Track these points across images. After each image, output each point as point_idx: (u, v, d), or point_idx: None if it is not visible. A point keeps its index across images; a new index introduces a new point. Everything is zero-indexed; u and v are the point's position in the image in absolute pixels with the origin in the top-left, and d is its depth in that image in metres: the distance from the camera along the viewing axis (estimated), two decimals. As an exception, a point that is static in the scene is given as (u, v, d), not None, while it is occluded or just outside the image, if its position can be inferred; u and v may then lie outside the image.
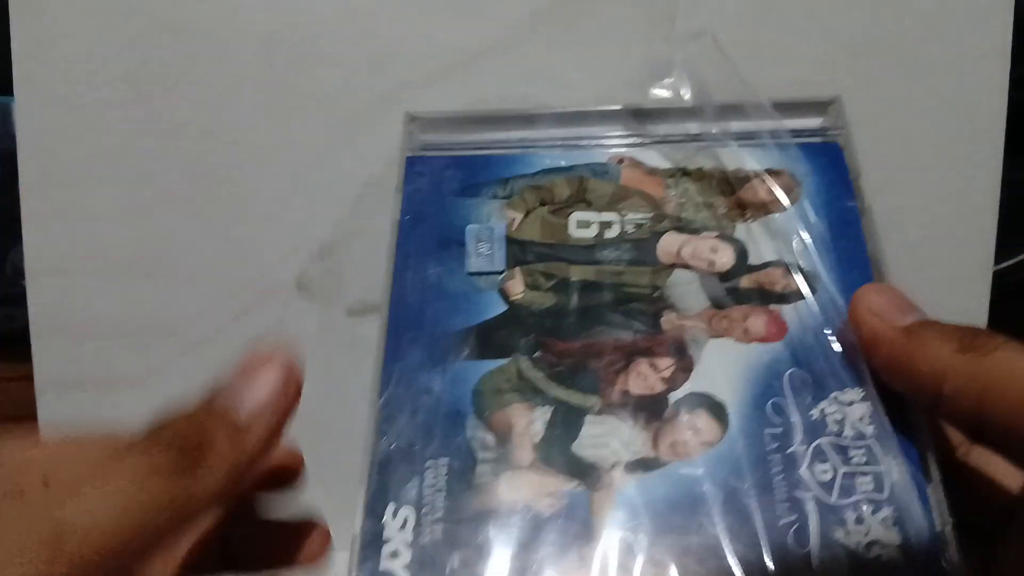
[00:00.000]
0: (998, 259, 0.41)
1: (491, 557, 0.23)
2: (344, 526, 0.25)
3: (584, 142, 0.31)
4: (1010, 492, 0.23)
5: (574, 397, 0.26)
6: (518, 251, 0.29)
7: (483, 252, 0.29)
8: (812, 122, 0.31)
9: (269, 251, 0.39)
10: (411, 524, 0.24)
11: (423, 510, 0.24)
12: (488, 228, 0.29)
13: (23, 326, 0.41)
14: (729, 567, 0.22)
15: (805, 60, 0.39)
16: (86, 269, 0.40)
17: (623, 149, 0.31)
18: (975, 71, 0.39)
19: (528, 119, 0.32)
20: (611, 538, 0.23)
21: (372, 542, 0.24)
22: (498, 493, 0.25)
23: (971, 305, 0.41)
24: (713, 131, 0.30)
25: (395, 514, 0.24)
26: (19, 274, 0.43)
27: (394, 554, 0.23)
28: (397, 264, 0.28)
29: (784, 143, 0.30)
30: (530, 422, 0.26)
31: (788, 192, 0.29)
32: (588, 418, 0.26)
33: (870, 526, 0.23)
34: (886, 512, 0.23)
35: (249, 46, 0.39)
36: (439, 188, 0.30)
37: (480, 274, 0.28)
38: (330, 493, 0.26)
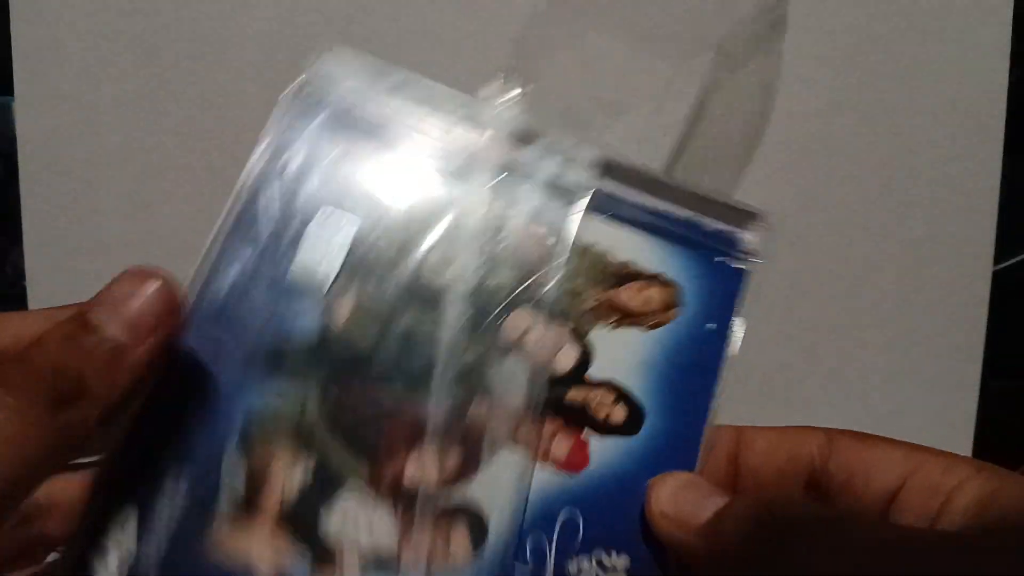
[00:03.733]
0: (998, 259, 0.41)
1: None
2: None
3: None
4: None
5: (343, 457, 0.23)
6: (357, 270, 0.25)
7: (321, 258, 0.25)
8: (728, 230, 0.26)
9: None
10: (132, 546, 0.22)
11: (147, 537, 0.22)
12: (333, 225, 0.25)
13: (22, 327, 0.40)
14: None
15: (805, 60, 0.39)
16: (87, 269, 0.40)
17: (527, 193, 0.26)
18: (975, 71, 0.39)
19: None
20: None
21: (88, 551, 0.21)
22: (227, 539, 0.22)
23: (971, 305, 0.41)
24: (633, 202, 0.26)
25: (123, 526, 0.22)
26: (19, 274, 0.43)
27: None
28: (222, 249, 0.24)
29: (692, 247, 0.26)
30: (290, 471, 0.23)
31: (664, 310, 0.25)
32: (348, 485, 0.23)
33: None
34: None
35: (250, 44, 0.40)
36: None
37: (307, 284, 0.24)
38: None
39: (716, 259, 0.26)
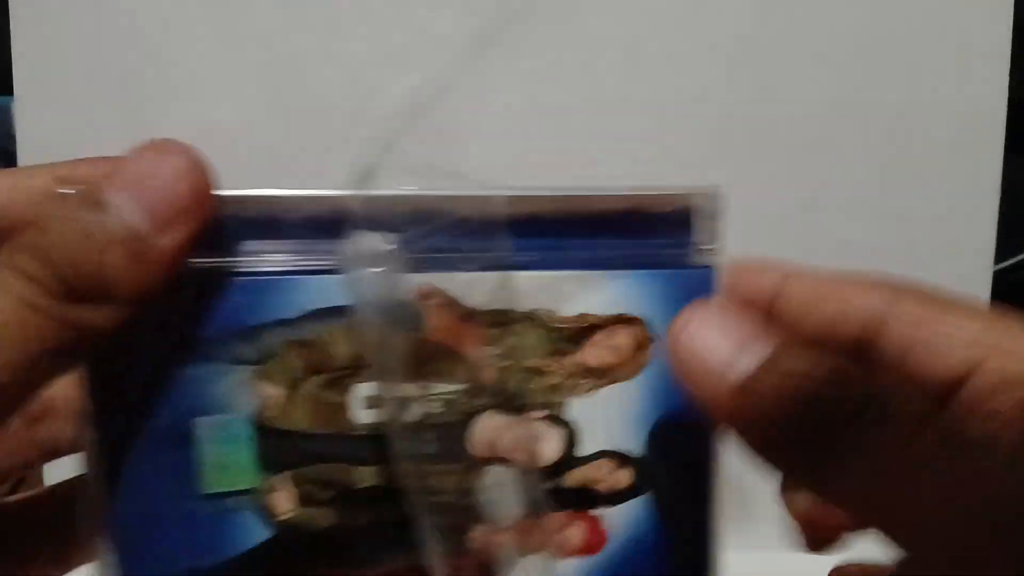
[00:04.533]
0: (998, 259, 0.41)
1: None
2: None
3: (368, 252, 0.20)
4: None
5: None
6: (279, 447, 0.21)
7: (225, 459, 0.20)
8: (668, 225, 0.21)
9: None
10: None
11: None
12: (228, 422, 0.20)
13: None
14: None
15: (805, 60, 0.39)
16: None
17: (431, 276, 0.21)
18: (975, 71, 0.38)
19: (276, 220, 0.20)
20: None
21: None
22: None
23: (971, 304, 0.41)
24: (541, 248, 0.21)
25: None
26: None
27: None
28: (109, 479, 0.20)
29: (640, 265, 0.22)
30: None
31: (640, 349, 0.22)
32: None
33: None
34: None
35: (250, 45, 0.40)
36: (152, 347, 0.20)
37: (224, 494, 0.20)
38: None
39: (670, 268, 0.22)
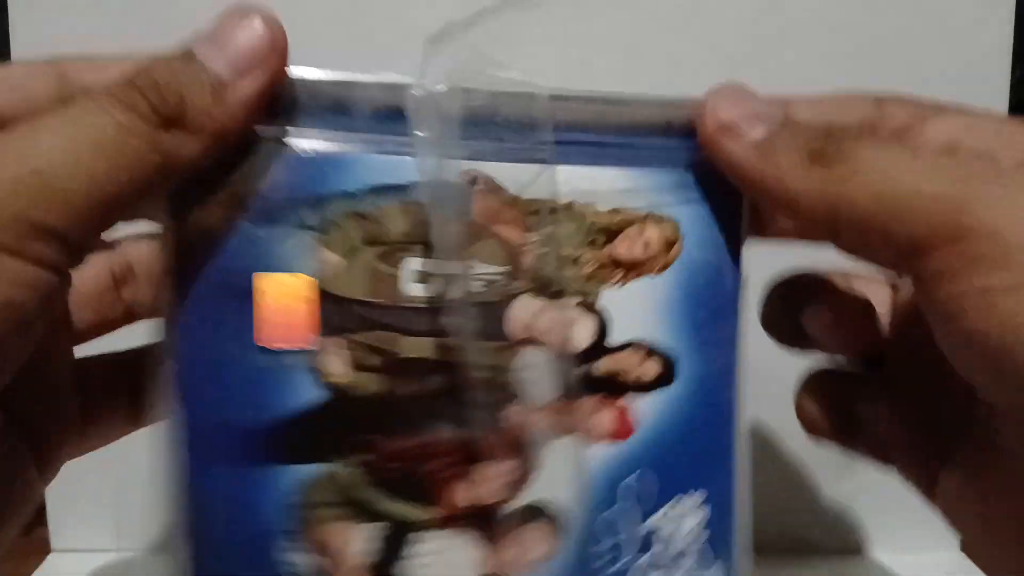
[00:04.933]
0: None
1: None
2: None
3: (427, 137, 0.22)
4: (952, 414, 0.23)
5: (405, 511, 0.23)
6: (335, 312, 0.22)
7: (278, 317, 0.22)
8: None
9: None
10: None
11: None
12: (288, 279, 0.22)
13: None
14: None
15: (805, 59, 0.40)
16: None
17: (478, 164, 0.23)
18: (976, 71, 0.40)
19: (350, 103, 0.22)
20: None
21: None
22: None
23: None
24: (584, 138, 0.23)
25: None
26: None
27: None
28: (180, 327, 0.21)
29: (672, 164, 0.24)
30: (354, 541, 0.22)
31: (668, 248, 0.24)
32: (419, 535, 0.23)
33: None
34: None
35: None
36: (223, 205, 0.21)
37: (281, 352, 0.22)
38: None
39: (701, 170, 0.24)
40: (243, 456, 0.22)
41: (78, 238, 0.19)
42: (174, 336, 0.21)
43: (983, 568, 0.24)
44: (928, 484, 0.24)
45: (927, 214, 0.19)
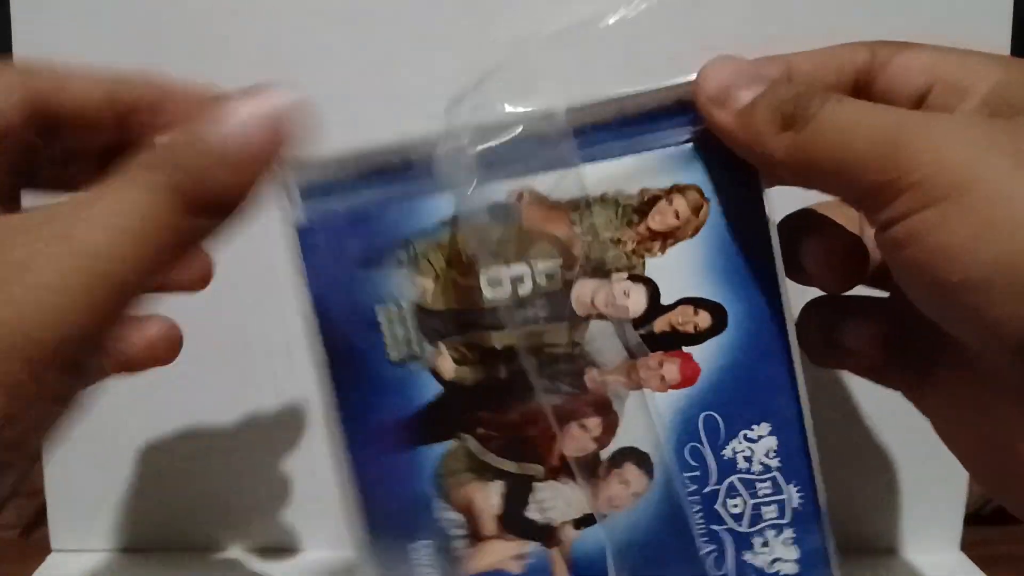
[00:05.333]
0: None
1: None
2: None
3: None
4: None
5: (520, 468, 0.28)
6: (436, 324, 0.28)
7: (399, 335, 0.29)
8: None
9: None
10: None
11: None
12: (398, 307, 0.28)
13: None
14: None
15: None
16: None
17: (518, 181, 0.27)
18: None
19: (408, 160, 0.27)
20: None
21: None
22: (475, 562, 0.29)
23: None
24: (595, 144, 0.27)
25: None
26: None
27: None
28: (327, 357, 0.28)
29: (684, 142, 0.27)
30: (487, 497, 0.29)
31: (696, 212, 0.27)
32: (535, 485, 0.28)
33: (774, 547, 0.27)
34: (787, 534, 0.27)
35: (251, 45, 0.39)
36: (341, 259, 0.28)
37: (404, 361, 0.29)
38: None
39: (712, 141, 0.26)
40: (393, 444, 0.29)
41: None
42: (324, 371, 0.29)
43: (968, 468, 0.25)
44: (918, 398, 0.25)
45: (867, 167, 0.21)
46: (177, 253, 0.20)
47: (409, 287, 0.28)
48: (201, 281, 0.30)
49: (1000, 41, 0.39)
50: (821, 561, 0.27)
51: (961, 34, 0.38)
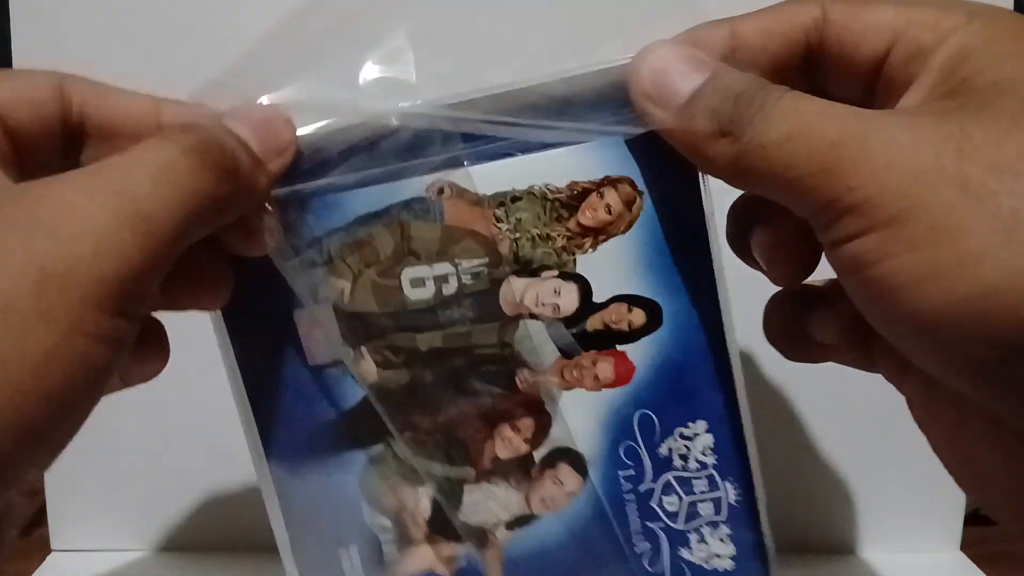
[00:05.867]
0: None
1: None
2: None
3: (394, 168, 0.25)
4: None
5: (450, 472, 0.28)
6: (357, 326, 0.27)
7: (319, 339, 0.27)
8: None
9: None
10: None
11: None
12: (316, 310, 0.27)
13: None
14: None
15: None
16: None
17: (435, 174, 0.25)
18: None
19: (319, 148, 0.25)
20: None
21: None
22: (405, 566, 0.28)
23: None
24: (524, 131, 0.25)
25: None
26: None
27: None
28: (240, 365, 0.27)
29: (614, 132, 0.25)
30: (417, 500, 0.28)
31: (629, 206, 0.25)
32: (467, 487, 0.28)
33: (711, 543, 0.27)
34: (723, 530, 0.27)
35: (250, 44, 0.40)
36: (251, 264, 0.25)
37: (325, 366, 0.27)
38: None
39: (646, 129, 0.24)
40: (318, 450, 0.27)
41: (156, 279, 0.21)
42: (236, 369, 0.27)
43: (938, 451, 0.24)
44: (898, 382, 0.24)
45: (809, 184, 0.19)
46: (205, 214, 0.21)
47: (326, 288, 0.26)
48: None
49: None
50: (757, 556, 0.28)
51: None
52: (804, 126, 0.20)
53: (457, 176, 0.25)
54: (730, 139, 0.21)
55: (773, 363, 0.29)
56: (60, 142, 0.24)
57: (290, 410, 0.27)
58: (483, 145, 0.25)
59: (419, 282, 0.26)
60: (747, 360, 0.38)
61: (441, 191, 0.26)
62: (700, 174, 0.25)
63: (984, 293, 0.17)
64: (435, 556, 0.28)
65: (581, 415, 0.27)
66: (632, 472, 0.27)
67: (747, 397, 0.26)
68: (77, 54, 0.38)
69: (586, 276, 0.26)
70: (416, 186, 0.26)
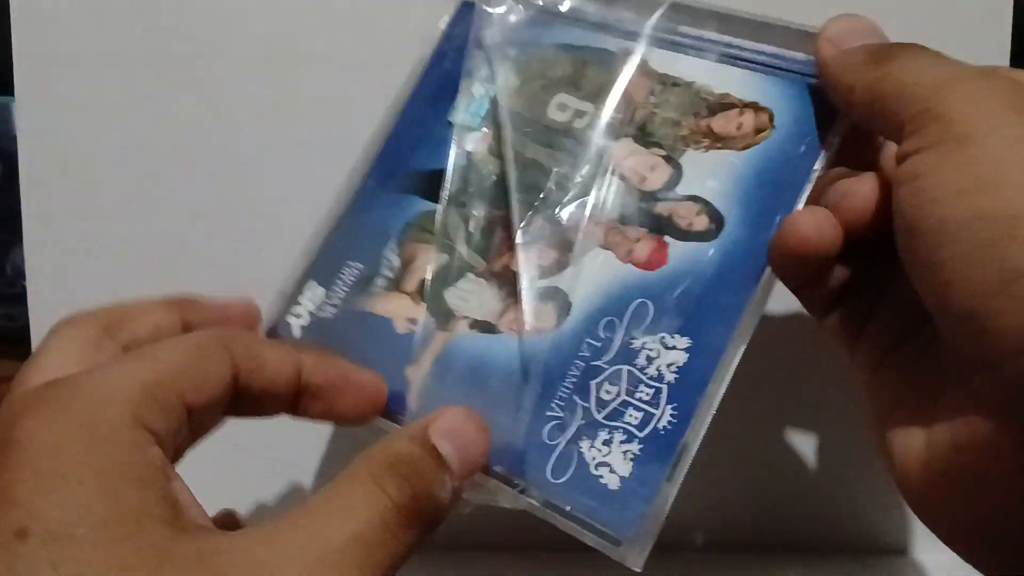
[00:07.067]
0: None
1: (348, 348, 0.28)
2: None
3: (611, 22, 0.30)
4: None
5: (469, 255, 0.29)
6: (496, 114, 0.31)
7: (471, 108, 0.31)
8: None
9: (274, 249, 0.35)
10: (318, 300, 0.31)
11: (329, 295, 0.30)
12: (482, 84, 0.31)
13: (23, 326, 0.40)
14: (487, 433, 0.24)
15: None
16: (87, 269, 0.40)
17: (631, 42, 0.30)
18: None
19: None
20: (426, 369, 0.28)
21: (288, 300, 0.31)
22: (377, 304, 0.30)
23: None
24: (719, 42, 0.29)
25: (311, 288, 0.31)
26: (19, 274, 0.43)
27: (297, 315, 0.31)
28: (408, 101, 0.32)
29: (785, 73, 0.27)
30: (428, 261, 0.30)
31: (756, 133, 0.27)
32: (468, 275, 0.29)
33: (612, 452, 0.25)
34: (632, 447, 0.25)
35: (251, 44, 0.39)
36: (469, 39, 0.32)
37: (460, 127, 0.31)
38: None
39: (811, 83, 0.27)
40: (403, 182, 0.31)
41: None
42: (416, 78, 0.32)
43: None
44: (868, 377, 0.25)
45: (911, 102, 0.22)
46: (395, 561, 0.21)
47: (502, 76, 0.31)
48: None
49: (1000, 42, 0.38)
50: (645, 493, 0.24)
51: (961, 35, 0.37)
52: (930, 65, 0.23)
53: (647, 51, 0.30)
54: (874, 67, 0.24)
55: (842, 365, 0.27)
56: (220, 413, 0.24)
57: (412, 141, 0.32)
58: (682, 38, 0.29)
59: (563, 108, 0.30)
60: (813, 358, 0.38)
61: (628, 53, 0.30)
62: (829, 149, 0.26)
63: (1008, 216, 0.19)
64: (403, 310, 0.29)
65: (594, 275, 0.27)
66: (598, 344, 0.26)
67: (741, 367, 0.25)
68: (77, 54, 0.39)
69: (684, 168, 0.28)
70: (613, 42, 0.30)
